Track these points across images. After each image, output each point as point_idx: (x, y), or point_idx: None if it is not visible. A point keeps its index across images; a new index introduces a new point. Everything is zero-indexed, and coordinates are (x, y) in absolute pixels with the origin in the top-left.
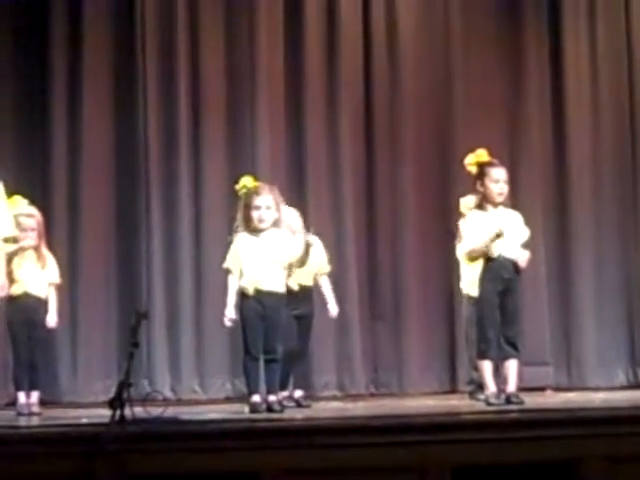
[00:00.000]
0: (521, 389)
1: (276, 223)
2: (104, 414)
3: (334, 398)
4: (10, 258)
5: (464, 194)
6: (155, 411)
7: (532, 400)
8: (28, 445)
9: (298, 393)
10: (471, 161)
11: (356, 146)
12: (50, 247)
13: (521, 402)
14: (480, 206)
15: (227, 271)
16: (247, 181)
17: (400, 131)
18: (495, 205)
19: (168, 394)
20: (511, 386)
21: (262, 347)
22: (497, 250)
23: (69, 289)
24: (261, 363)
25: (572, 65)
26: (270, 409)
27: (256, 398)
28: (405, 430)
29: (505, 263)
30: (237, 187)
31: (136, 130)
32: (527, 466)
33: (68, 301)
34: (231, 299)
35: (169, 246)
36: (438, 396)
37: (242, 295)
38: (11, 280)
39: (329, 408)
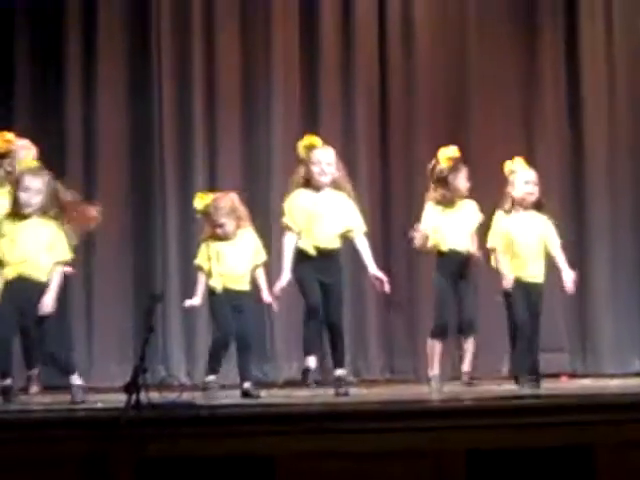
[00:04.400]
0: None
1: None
2: (119, 399)
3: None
4: None
5: (478, 176)
6: (170, 396)
7: (547, 386)
8: (43, 429)
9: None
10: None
11: (371, 128)
12: None
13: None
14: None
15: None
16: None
17: (415, 112)
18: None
19: (184, 379)
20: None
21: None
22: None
23: (83, 272)
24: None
25: (588, 48)
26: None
27: (310, 362)
28: (420, 415)
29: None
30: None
31: (151, 110)
32: (541, 451)
33: (83, 285)
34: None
35: (185, 228)
36: (453, 381)
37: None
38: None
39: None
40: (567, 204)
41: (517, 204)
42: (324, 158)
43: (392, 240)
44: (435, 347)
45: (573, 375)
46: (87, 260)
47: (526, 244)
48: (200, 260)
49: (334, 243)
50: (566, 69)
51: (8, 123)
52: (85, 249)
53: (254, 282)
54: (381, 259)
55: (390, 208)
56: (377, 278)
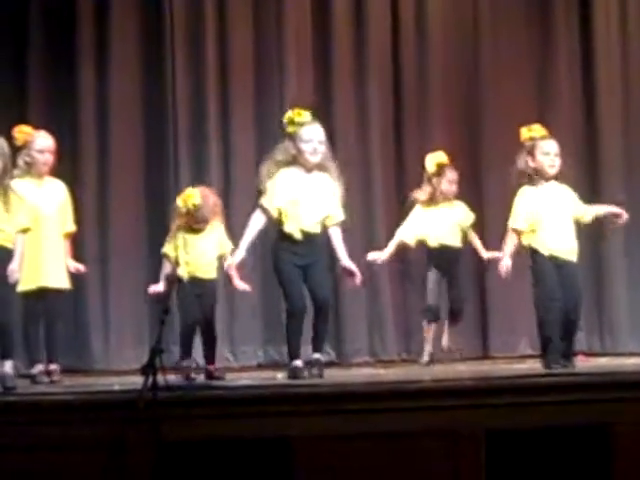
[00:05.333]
0: None
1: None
2: (136, 381)
3: (366, 364)
4: None
5: (492, 159)
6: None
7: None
8: (60, 412)
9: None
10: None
11: (385, 113)
12: (79, 212)
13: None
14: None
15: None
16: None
17: (428, 96)
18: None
19: (201, 362)
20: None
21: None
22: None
23: (99, 256)
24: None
25: (602, 24)
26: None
27: (298, 363)
28: (438, 395)
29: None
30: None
31: (164, 89)
32: (560, 430)
33: (98, 267)
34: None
35: None
36: (470, 362)
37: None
38: None
39: (361, 374)
40: (581, 182)
41: (538, 176)
42: (316, 135)
43: None
44: (428, 329)
45: (590, 354)
46: (102, 244)
47: (553, 218)
48: (167, 248)
49: (317, 227)
50: (580, 50)
51: (22, 110)
52: (100, 234)
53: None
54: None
55: (404, 187)
56: (348, 270)
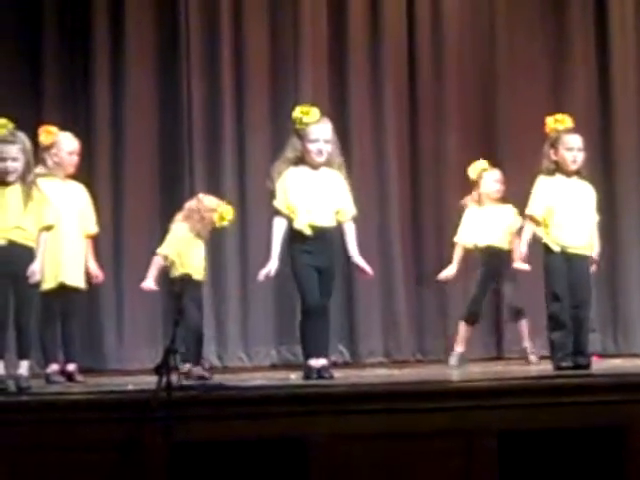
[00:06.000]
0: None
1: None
2: (150, 381)
3: (380, 365)
4: None
5: (508, 156)
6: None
7: None
8: (74, 412)
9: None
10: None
11: (400, 112)
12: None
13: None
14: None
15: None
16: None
17: (444, 93)
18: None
19: (214, 362)
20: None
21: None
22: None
23: (113, 255)
24: None
25: (617, 20)
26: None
27: (313, 362)
28: (452, 395)
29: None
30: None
31: (179, 90)
32: (573, 431)
33: (112, 268)
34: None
35: None
36: (484, 362)
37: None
38: None
39: (375, 374)
40: (597, 178)
41: (559, 169)
42: (322, 134)
43: (422, 219)
44: (464, 329)
45: (604, 355)
46: (117, 242)
47: (569, 212)
48: (170, 250)
49: (330, 221)
50: (595, 44)
51: (37, 109)
52: (114, 234)
53: None
54: (411, 238)
55: (420, 196)
56: (359, 267)
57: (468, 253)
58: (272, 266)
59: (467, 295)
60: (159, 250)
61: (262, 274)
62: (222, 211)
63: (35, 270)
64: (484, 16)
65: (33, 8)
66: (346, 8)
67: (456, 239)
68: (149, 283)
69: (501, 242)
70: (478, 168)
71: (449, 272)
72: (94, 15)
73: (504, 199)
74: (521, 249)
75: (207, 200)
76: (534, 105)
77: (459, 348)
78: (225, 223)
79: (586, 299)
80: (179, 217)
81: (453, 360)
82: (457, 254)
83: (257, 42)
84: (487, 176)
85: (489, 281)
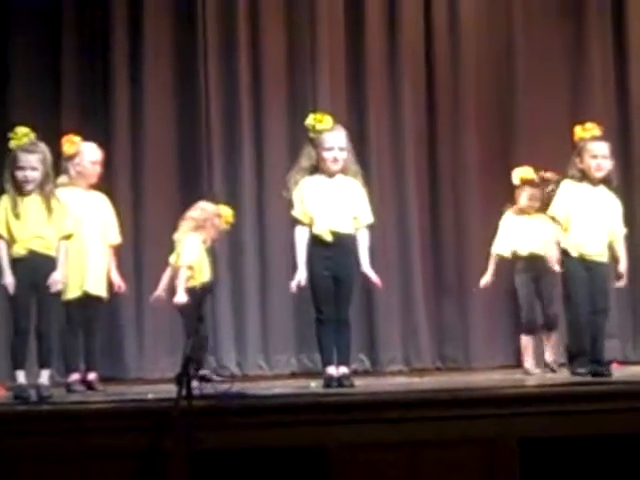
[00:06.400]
0: None
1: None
2: (169, 390)
3: (400, 373)
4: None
5: (526, 160)
6: (222, 387)
7: None
8: (95, 421)
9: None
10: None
11: (418, 117)
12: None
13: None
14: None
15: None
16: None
17: (462, 98)
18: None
19: (234, 370)
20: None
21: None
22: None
23: (134, 263)
24: None
25: (636, 22)
26: (340, 383)
27: (331, 370)
28: (473, 403)
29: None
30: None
31: (197, 99)
32: (594, 439)
33: (133, 277)
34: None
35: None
36: (504, 370)
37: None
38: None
39: (395, 382)
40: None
41: (586, 177)
42: (336, 142)
43: (441, 227)
44: (526, 342)
45: (624, 362)
46: (137, 252)
47: (588, 219)
48: (194, 262)
49: (349, 228)
50: (613, 47)
51: (56, 119)
52: (134, 243)
53: None
54: (430, 246)
55: (439, 203)
56: (367, 277)
57: (502, 262)
58: (301, 276)
59: (486, 303)
60: (183, 262)
61: (293, 285)
62: (226, 215)
63: (57, 279)
64: (501, 20)
65: (52, 19)
66: (363, 13)
67: (493, 249)
68: (161, 294)
69: (541, 249)
70: (521, 175)
71: (486, 280)
72: (112, 24)
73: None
74: (552, 252)
75: (210, 207)
76: (552, 109)
77: (527, 362)
78: (228, 225)
79: (604, 306)
80: (187, 228)
81: (531, 370)
82: (492, 263)
83: (274, 47)
84: (526, 192)
85: (531, 288)
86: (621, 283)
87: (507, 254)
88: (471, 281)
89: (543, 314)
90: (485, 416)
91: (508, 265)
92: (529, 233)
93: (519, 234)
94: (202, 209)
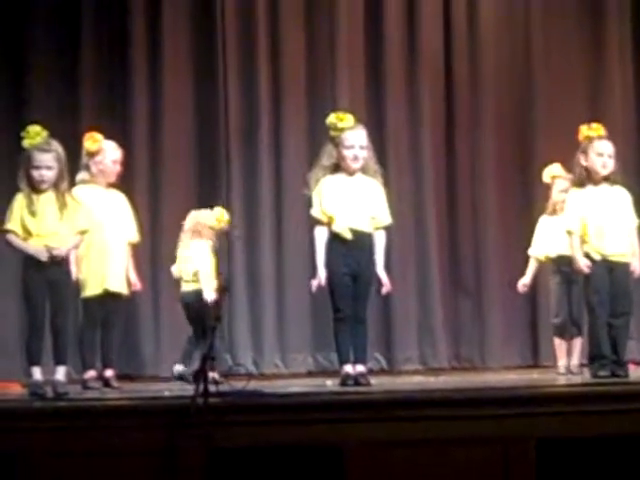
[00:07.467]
0: None
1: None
2: (186, 387)
3: (416, 372)
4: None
5: (544, 165)
6: (238, 384)
7: None
8: (111, 418)
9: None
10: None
11: (437, 119)
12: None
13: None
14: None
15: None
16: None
17: (480, 93)
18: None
19: (251, 368)
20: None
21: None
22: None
23: (150, 261)
24: None
25: None
26: (357, 382)
27: (348, 368)
28: (489, 403)
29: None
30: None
31: (217, 100)
32: (611, 439)
33: (150, 275)
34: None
35: (250, 219)
36: (520, 370)
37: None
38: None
39: (411, 381)
40: (632, 187)
41: (589, 177)
42: (357, 141)
43: (458, 227)
44: (559, 343)
45: None
46: (154, 250)
47: (603, 220)
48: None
49: (367, 227)
50: (632, 53)
51: (75, 119)
52: (152, 238)
53: None
54: (447, 246)
55: (456, 203)
56: (379, 280)
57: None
58: (321, 275)
59: (502, 303)
60: (200, 267)
61: (314, 285)
62: (217, 215)
63: (62, 249)
64: (520, 27)
65: (71, 20)
66: (382, 12)
67: (529, 252)
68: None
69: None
70: (551, 173)
71: (524, 281)
72: (131, 25)
73: None
74: (582, 262)
75: (198, 213)
76: (571, 115)
77: (561, 362)
78: (223, 224)
79: (626, 309)
80: (190, 237)
81: (562, 370)
82: (531, 266)
83: (293, 47)
84: (556, 185)
85: (563, 289)
86: (635, 275)
87: (542, 256)
88: (488, 281)
89: (570, 317)
90: (502, 416)
91: (526, 266)
92: (560, 233)
93: (552, 236)
94: (191, 217)
